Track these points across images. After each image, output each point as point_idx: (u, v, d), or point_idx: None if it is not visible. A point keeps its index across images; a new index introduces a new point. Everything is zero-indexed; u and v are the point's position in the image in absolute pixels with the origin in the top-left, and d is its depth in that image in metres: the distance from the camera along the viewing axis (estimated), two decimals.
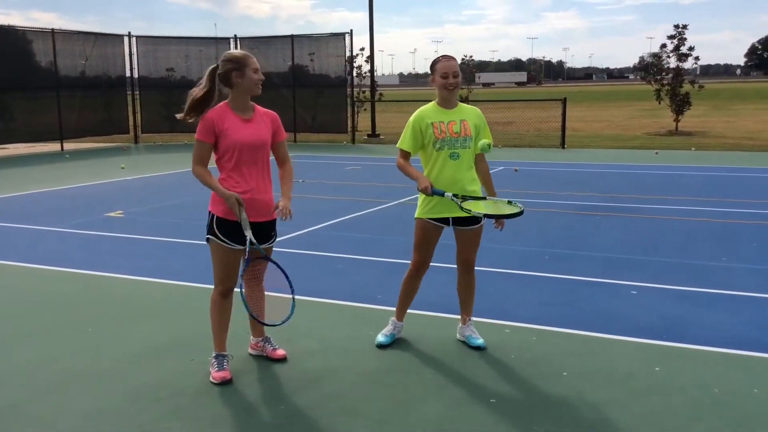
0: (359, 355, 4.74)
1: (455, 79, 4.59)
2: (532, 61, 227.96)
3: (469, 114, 4.69)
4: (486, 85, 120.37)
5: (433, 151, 4.61)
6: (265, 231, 4.33)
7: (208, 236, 4.27)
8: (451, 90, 4.60)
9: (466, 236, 4.74)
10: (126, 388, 4.24)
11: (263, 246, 4.30)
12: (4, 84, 19.66)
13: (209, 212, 4.25)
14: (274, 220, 4.35)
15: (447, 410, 3.95)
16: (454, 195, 4.47)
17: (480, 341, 4.81)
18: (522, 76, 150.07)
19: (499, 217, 4.51)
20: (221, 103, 4.25)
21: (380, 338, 4.89)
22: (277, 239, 4.40)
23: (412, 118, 4.68)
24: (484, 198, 4.62)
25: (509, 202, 4.49)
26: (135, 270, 6.90)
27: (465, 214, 4.47)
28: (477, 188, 4.69)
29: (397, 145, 4.76)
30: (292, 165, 4.49)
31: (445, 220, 4.66)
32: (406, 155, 4.71)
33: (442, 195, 4.48)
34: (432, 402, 4.06)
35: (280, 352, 4.63)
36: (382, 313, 5.48)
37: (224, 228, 4.19)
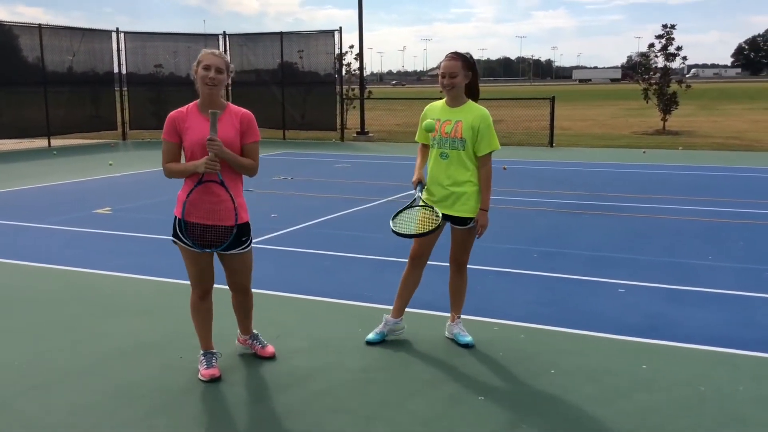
0: (348, 352, 4.74)
1: (451, 79, 4.56)
2: (521, 60, 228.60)
3: (469, 116, 4.60)
4: (582, 81, 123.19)
5: (431, 148, 4.75)
6: (220, 237, 4.07)
7: (173, 239, 4.19)
8: (447, 90, 4.62)
9: (455, 235, 4.76)
10: (113, 385, 4.22)
11: (226, 252, 4.14)
12: None
13: (174, 215, 4.16)
14: (242, 224, 4.13)
15: (435, 408, 3.97)
16: (424, 201, 4.64)
17: (468, 339, 4.83)
18: (617, 73, 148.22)
19: (405, 236, 4.51)
20: (192, 102, 4.18)
21: (369, 335, 4.90)
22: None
23: (422, 113, 4.86)
24: (432, 208, 4.57)
25: (436, 215, 4.53)
26: (123, 267, 6.88)
27: (457, 213, 4.63)
28: (467, 192, 4.62)
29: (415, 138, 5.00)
30: (259, 164, 4.22)
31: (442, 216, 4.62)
32: (422, 147, 4.90)
33: (418, 193, 4.69)
34: (420, 399, 4.07)
35: (270, 349, 4.60)
36: (371, 310, 5.48)
37: (180, 228, 4.10)
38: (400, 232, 4.53)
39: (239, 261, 4.25)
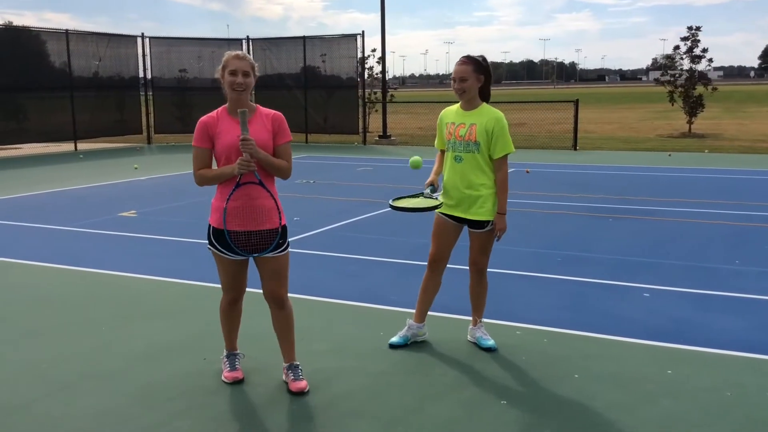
0: (370, 356, 4.74)
1: (461, 83, 4.55)
2: (545, 63, 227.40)
3: (483, 118, 4.58)
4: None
5: (447, 152, 4.75)
6: (264, 240, 4.00)
7: (208, 246, 4.17)
8: (459, 94, 4.62)
9: (473, 238, 4.74)
10: (137, 387, 4.26)
11: (263, 255, 4.00)
12: (18, 84, 19.82)
13: (208, 223, 4.13)
14: (278, 228, 4.03)
15: (457, 412, 3.95)
16: (430, 194, 4.70)
17: (490, 342, 4.81)
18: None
19: (408, 210, 4.59)
20: (221, 106, 4.12)
21: (394, 339, 4.88)
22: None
23: (438, 117, 4.89)
24: (431, 197, 4.68)
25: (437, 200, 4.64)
26: (148, 269, 6.94)
27: (473, 216, 4.64)
28: (483, 195, 4.59)
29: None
30: (292, 166, 4.13)
31: (458, 219, 4.68)
32: (440, 153, 4.91)
33: (427, 190, 4.73)
34: (442, 403, 4.05)
35: (301, 384, 4.18)
36: (395, 314, 5.48)
37: (218, 237, 4.06)
38: (397, 206, 4.62)
39: (275, 263, 4.08)
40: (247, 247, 3.99)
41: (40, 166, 17.03)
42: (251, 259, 4.14)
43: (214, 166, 4.08)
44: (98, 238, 8.57)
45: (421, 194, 4.72)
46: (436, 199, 4.65)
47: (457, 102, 4.78)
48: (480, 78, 4.59)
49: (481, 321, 4.92)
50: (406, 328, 4.91)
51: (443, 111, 4.87)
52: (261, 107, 4.12)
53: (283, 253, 4.09)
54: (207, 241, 4.16)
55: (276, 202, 4.01)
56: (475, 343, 4.88)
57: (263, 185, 3.97)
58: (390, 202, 4.70)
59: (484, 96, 4.69)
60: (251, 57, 4.09)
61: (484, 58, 4.64)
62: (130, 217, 9.80)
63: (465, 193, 4.61)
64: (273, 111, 4.11)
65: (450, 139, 4.66)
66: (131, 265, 7.10)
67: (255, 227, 3.98)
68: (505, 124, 4.60)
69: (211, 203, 4.12)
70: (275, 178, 4.14)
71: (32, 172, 15.90)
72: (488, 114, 4.61)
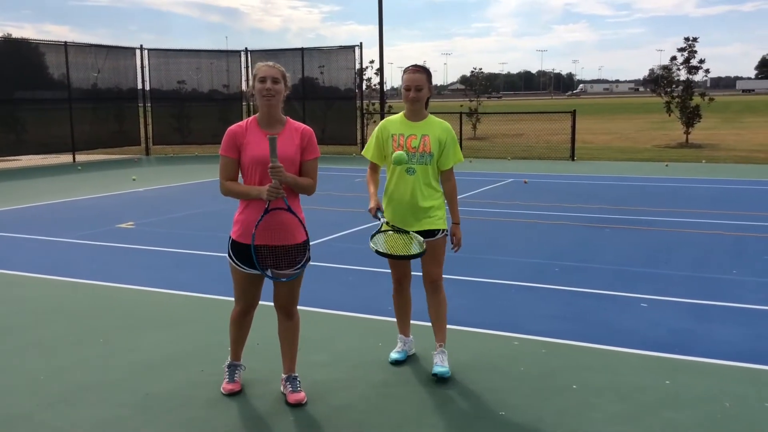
0: (369, 367, 4.74)
1: (417, 92, 4.41)
2: (542, 74, 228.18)
3: (434, 129, 4.49)
4: (746, 91, 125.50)
5: (391, 164, 4.53)
6: (289, 255, 4.00)
7: (227, 256, 4.16)
8: (412, 103, 4.46)
9: (426, 247, 4.45)
10: (136, 399, 4.25)
11: (286, 271, 4.00)
12: (17, 96, 19.86)
13: (230, 236, 4.11)
14: (302, 243, 4.02)
15: (455, 423, 3.95)
16: (389, 223, 4.41)
17: (441, 369, 4.48)
18: None
19: (393, 257, 4.31)
20: (251, 116, 4.10)
21: (393, 355, 4.83)
22: None
23: (377, 127, 4.64)
24: (407, 233, 4.37)
25: (420, 244, 4.30)
26: (146, 281, 6.94)
27: (425, 227, 4.44)
28: (435, 205, 4.50)
29: (362, 153, 4.73)
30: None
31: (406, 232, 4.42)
32: (373, 166, 4.69)
33: (380, 222, 4.42)
34: (441, 414, 4.05)
35: (299, 396, 4.17)
36: (393, 325, 5.46)
37: (238, 250, 4.05)
38: (381, 251, 4.27)
39: (291, 279, 4.06)
40: (268, 260, 3.97)
41: (39, 178, 17.04)
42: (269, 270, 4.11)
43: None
44: (96, 249, 8.57)
45: (381, 226, 4.40)
46: (386, 222, 4.41)
47: (401, 112, 4.61)
48: (430, 87, 4.52)
49: (441, 345, 4.62)
50: (402, 343, 4.87)
51: (384, 121, 4.64)
52: (291, 120, 4.09)
53: (300, 270, 4.06)
54: (228, 254, 4.12)
55: (300, 219, 4.00)
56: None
57: (291, 211, 3.96)
58: (371, 245, 4.31)
59: (426, 106, 4.58)
60: (282, 67, 4.05)
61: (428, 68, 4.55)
62: (128, 229, 9.80)
63: (416, 205, 4.46)
64: (303, 125, 4.09)
65: (400, 151, 4.44)
66: (129, 277, 7.10)
67: (279, 242, 3.97)
68: (454, 135, 4.59)
69: (234, 216, 4.09)
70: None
71: (30, 183, 15.91)
72: (439, 125, 4.54)
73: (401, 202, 4.50)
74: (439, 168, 4.55)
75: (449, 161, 4.53)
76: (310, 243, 4.13)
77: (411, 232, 4.39)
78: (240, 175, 4.06)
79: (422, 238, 4.36)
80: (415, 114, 4.53)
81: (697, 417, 3.98)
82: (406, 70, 4.51)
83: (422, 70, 4.47)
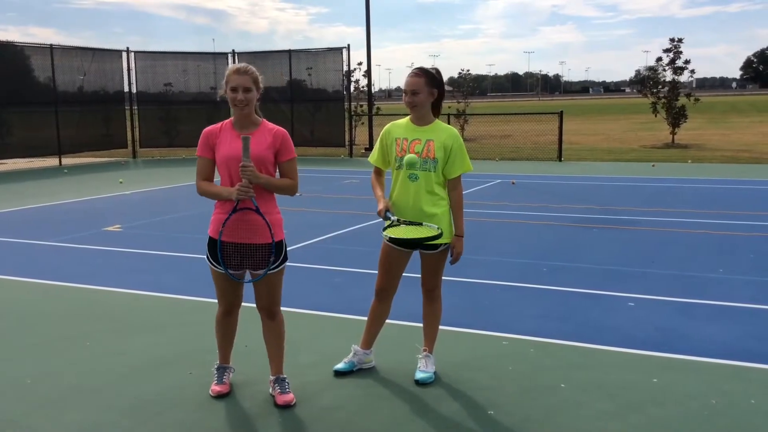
0: (358, 368, 4.73)
1: (413, 97, 4.28)
2: (529, 75, 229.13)
3: (441, 135, 4.33)
4: None
5: (395, 169, 4.43)
6: (255, 256, 4.00)
7: (207, 259, 4.14)
8: (411, 108, 4.33)
9: (425, 260, 4.46)
10: (124, 402, 4.23)
11: (258, 272, 4.02)
12: (2, 99, 19.70)
13: (208, 235, 4.11)
14: (276, 242, 3.98)
15: (445, 422, 3.95)
16: (401, 220, 4.23)
17: (422, 375, 4.45)
18: None
19: (413, 241, 4.13)
20: (228, 118, 4.13)
21: (339, 365, 4.62)
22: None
23: (382, 131, 4.53)
24: (420, 224, 4.22)
25: (436, 229, 4.16)
26: (133, 284, 6.91)
27: (426, 238, 4.15)
28: (439, 212, 4.33)
29: (368, 159, 4.65)
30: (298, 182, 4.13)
31: (408, 244, 4.26)
32: (377, 170, 4.56)
33: (391, 219, 4.23)
34: (431, 415, 4.06)
35: (287, 397, 4.17)
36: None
37: (212, 249, 4.06)
38: (396, 237, 4.13)
39: (269, 278, 4.07)
40: (234, 258, 3.99)
41: (25, 181, 16.92)
42: (247, 273, 4.13)
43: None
44: (83, 253, 8.52)
45: (398, 220, 4.25)
46: (397, 220, 4.23)
47: (407, 116, 4.48)
48: (433, 92, 4.32)
49: (426, 351, 4.58)
50: (352, 354, 4.66)
51: (389, 125, 4.50)
52: (267, 122, 4.11)
53: (276, 270, 4.08)
54: (206, 254, 4.15)
55: (267, 222, 3.95)
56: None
57: (259, 212, 3.95)
58: (384, 232, 4.23)
59: (435, 112, 4.43)
60: (254, 69, 4.05)
61: (438, 72, 4.37)
62: (115, 232, 9.75)
63: (426, 212, 4.30)
64: (277, 127, 4.09)
65: (403, 156, 4.32)
66: (116, 280, 7.07)
67: (244, 240, 3.99)
68: (462, 142, 4.39)
69: (212, 216, 4.11)
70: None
71: (16, 187, 15.79)
72: (445, 131, 4.37)
73: (405, 209, 4.34)
74: (445, 176, 4.37)
75: (456, 169, 4.35)
76: (287, 246, 4.12)
77: (424, 223, 4.24)
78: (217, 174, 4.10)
79: (436, 225, 4.22)
80: (420, 118, 4.37)
81: (683, 414, 4.01)
82: (408, 74, 4.38)
83: (421, 74, 4.30)
